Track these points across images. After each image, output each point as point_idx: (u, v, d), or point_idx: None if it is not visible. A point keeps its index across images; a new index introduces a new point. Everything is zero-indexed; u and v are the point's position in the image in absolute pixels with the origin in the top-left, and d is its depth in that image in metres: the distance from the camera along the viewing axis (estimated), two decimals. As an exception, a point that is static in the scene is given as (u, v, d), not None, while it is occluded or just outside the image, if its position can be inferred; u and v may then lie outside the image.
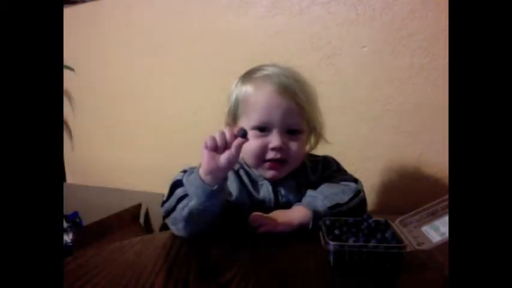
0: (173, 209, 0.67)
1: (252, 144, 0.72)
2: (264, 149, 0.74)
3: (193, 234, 0.67)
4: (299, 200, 0.74)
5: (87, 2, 1.65)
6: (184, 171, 0.71)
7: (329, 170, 0.83)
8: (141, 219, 1.50)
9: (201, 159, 0.66)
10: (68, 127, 1.83)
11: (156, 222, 1.50)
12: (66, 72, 1.73)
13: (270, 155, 0.73)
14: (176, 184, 0.69)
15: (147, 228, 1.51)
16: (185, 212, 0.65)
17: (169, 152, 1.53)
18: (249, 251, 0.64)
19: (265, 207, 0.76)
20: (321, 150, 0.84)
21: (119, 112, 1.66)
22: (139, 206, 1.49)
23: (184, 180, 0.67)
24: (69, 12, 1.64)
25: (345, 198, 0.73)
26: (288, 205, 0.75)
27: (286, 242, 0.66)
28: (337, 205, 0.71)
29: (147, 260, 0.61)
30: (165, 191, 0.71)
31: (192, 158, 0.72)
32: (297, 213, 0.71)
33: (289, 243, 0.65)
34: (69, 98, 1.80)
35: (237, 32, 1.30)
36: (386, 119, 1.10)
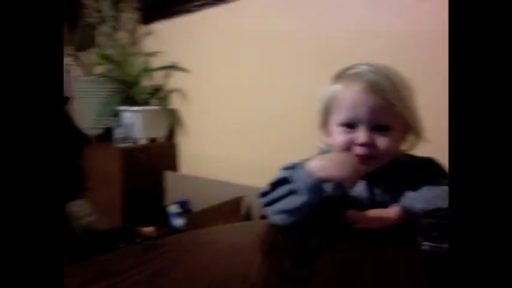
0: (275, 201, 0.71)
1: (339, 139, 0.74)
2: (350, 144, 0.74)
3: (291, 225, 0.71)
4: (395, 201, 0.73)
5: (195, 11, 1.81)
6: (288, 168, 0.74)
7: (431, 172, 0.79)
8: (243, 211, 1.61)
9: (303, 156, 0.69)
10: (183, 124, 2.03)
11: (256, 215, 1.60)
12: (182, 73, 1.93)
13: (357, 150, 0.74)
14: (281, 180, 0.72)
15: (248, 219, 1.61)
16: (291, 206, 0.69)
17: (272, 148, 1.61)
18: (342, 245, 0.66)
19: (359, 205, 0.76)
20: (423, 151, 0.81)
21: (227, 111, 1.80)
22: (241, 198, 1.60)
23: (291, 176, 0.71)
24: (184, 20, 1.84)
25: (447, 203, 0.70)
26: (383, 205, 0.74)
27: (380, 240, 0.66)
28: (437, 210, 0.68)
29: (245, 244, 0.67)
30: (266, 185, 0.75)
31: (294, 155, 0.76)
32: (394, 214, 0.70)
33: (383, 241, 0.66)
34: (185, 98, 1.99)
35: (339, 31, 1.32)
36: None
